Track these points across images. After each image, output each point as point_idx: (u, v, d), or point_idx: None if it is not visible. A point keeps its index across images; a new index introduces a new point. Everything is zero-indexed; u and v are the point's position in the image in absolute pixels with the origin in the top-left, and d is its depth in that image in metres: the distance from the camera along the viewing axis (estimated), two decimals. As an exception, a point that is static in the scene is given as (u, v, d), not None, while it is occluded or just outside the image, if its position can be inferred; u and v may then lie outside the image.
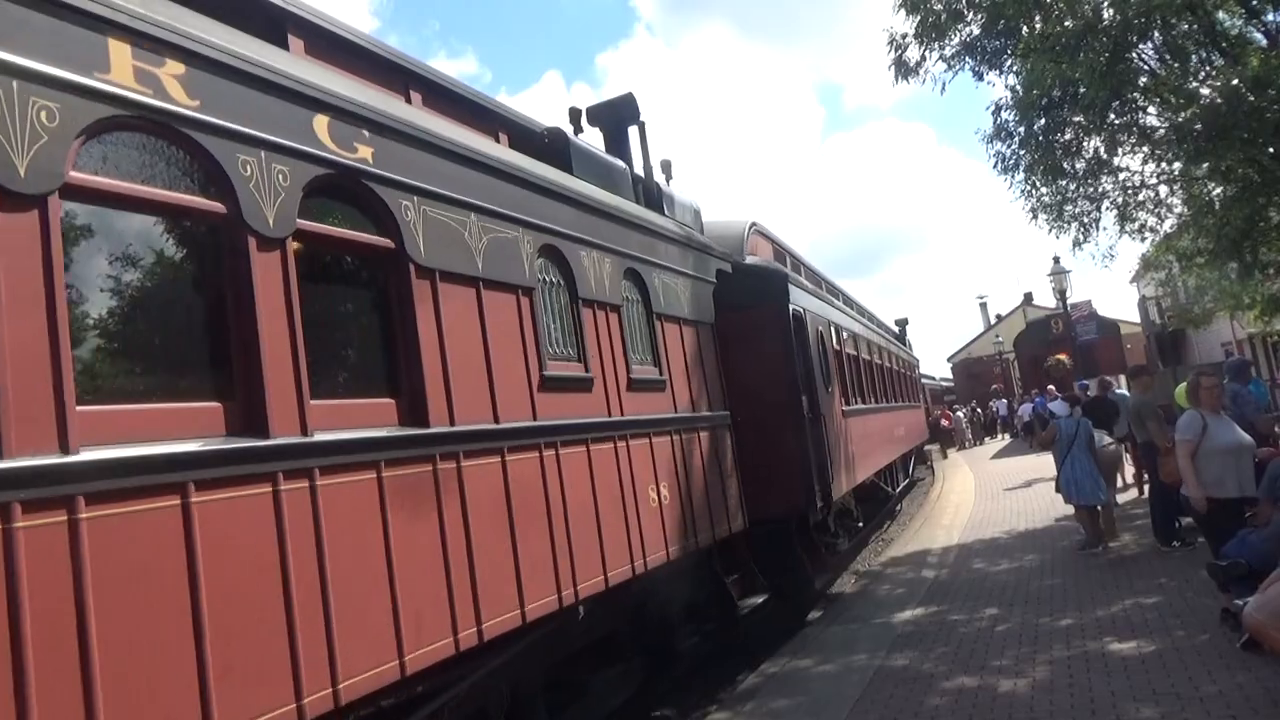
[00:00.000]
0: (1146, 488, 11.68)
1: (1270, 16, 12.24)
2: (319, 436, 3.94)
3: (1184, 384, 8.73)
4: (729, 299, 9.26)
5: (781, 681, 7.23)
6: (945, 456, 31.94)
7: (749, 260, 10.74)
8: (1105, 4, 11.96)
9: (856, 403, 13.43)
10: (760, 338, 9.20)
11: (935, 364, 63.95)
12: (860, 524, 14.37)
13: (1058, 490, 11.20)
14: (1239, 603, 5.65)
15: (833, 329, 12.17)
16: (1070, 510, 11.43)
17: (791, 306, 9.57)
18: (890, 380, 19.28)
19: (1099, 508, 10.76)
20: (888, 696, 6.38)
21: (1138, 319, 37.47)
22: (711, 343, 8.84)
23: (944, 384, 51.49)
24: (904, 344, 26.90)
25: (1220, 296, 15.75)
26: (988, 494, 18.57)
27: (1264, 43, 11.96)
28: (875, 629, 8.51)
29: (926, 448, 29.69)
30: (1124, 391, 13.70)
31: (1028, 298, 54.67)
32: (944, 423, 35.50)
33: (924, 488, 23.77)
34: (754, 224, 12.09)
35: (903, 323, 28.89)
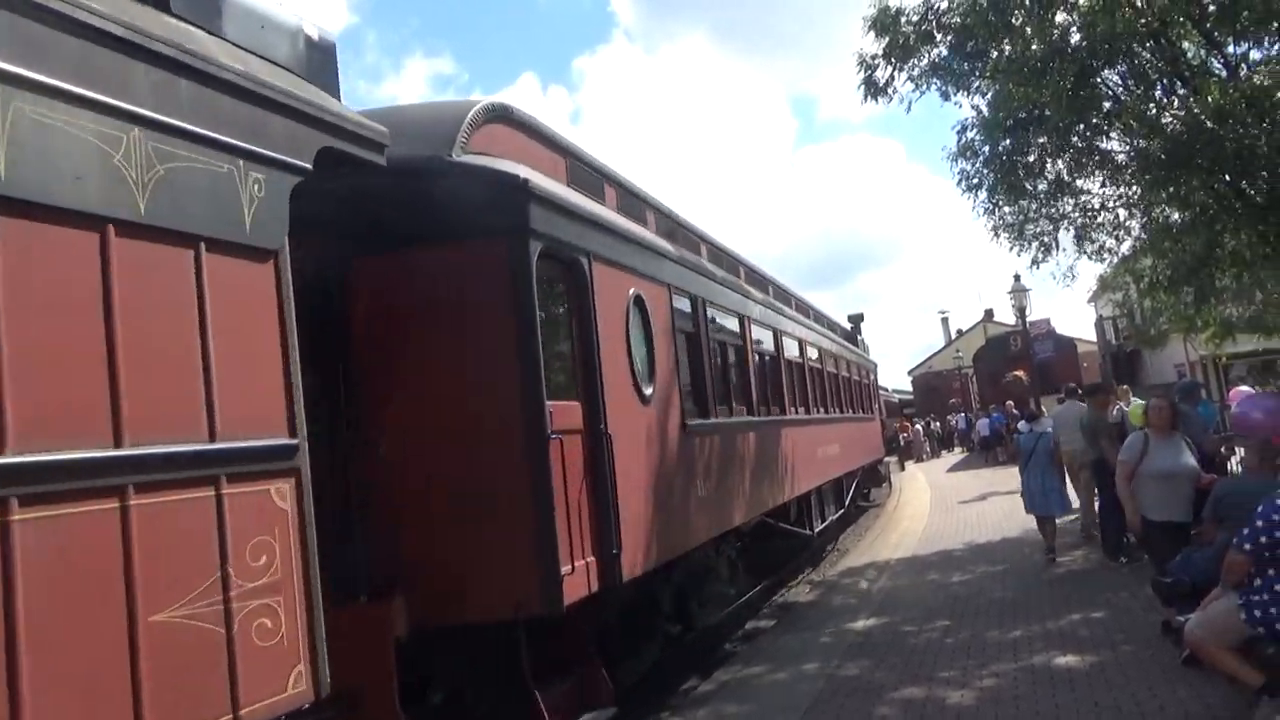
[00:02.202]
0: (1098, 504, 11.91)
1: (1231, 49, 12.54)
2: None
3: (1139, 404, 8.98)
4: (388, 225, 5.52)
5: (733, 689, 7.26)
6: (903, 469, 32.29)
7: (463, 160, 5.58)
8: (1073, 29, 12.19)
9: (748, 414, 10.12)
10: (453, 299, 5.55)
11: (896, 377, 64.59)
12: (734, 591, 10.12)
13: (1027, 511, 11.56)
14: (1181, 619, 5.78)
15: (704, 307, 8.91)
16: (1024, 525, 11.69)
17: (537, 244, 5.61)
18: (831, 386, 16.06)
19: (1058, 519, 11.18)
20: (838, 706, 6.43)
21: (1095, 338, 38.34)
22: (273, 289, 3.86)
23: (904, 396, 52.03)
24: (857, 345, 21.83)
25: (1175, 319, 16.05)
26: (943, 507, 18.81)
27: (1224, 74, 12.24)
28: (828, 638, 8.57)
29: (886, 460, 26.55)
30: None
31: (988, 314, 55.41)
32: (903, 435, 35.88)
33: (880, 499, 22.52)
34: (496, 108, 6.20)
35: (856, 319, 23.66)
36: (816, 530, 13.92)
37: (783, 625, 9.83)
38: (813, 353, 14.85)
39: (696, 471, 8.07)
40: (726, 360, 10.01)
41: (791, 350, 13.18)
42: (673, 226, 9.35)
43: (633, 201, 8.23)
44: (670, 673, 8.70)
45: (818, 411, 14.36)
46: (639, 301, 7.14)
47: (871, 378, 23.45)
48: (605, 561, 5.93)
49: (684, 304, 8.55)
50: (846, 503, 17.64)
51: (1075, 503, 11.80)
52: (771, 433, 11.10)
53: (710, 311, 9.34)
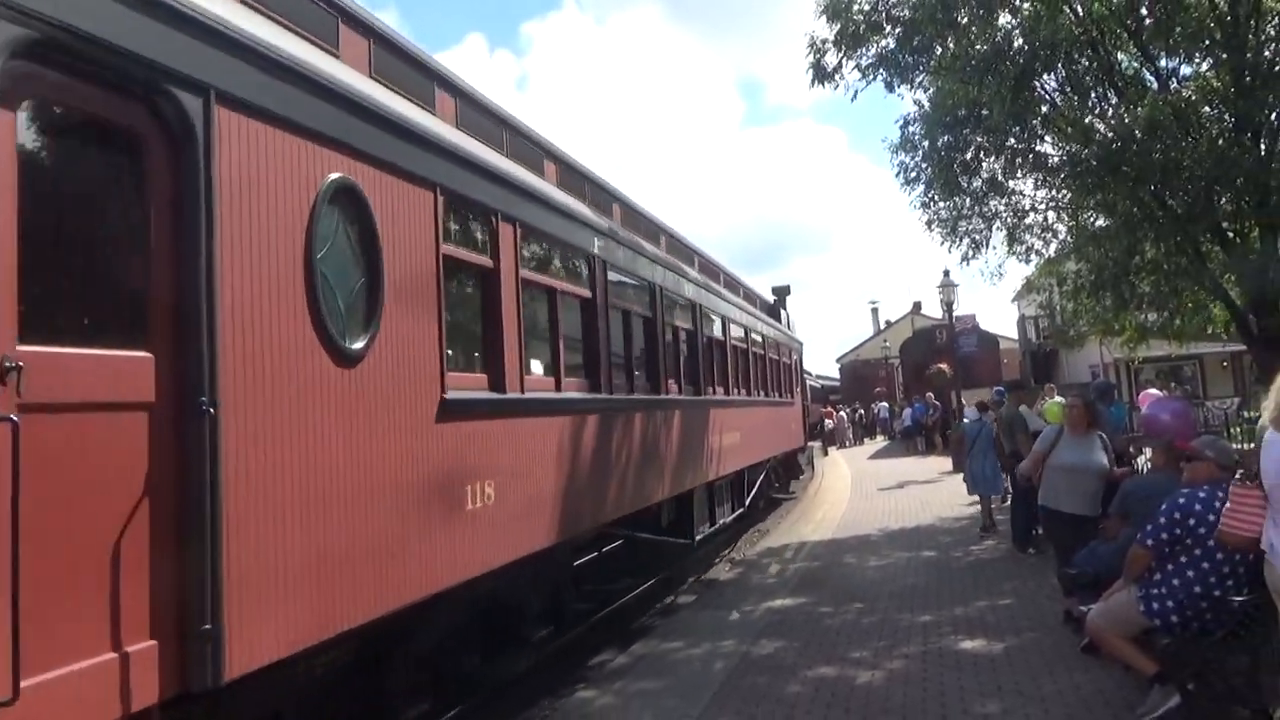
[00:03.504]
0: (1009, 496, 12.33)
1: (1163, 62, 12.95)
2: None
3: (1058, 401, 9.31)
4: None
5: (650, 663, 7.32)
6: (826, 454, 32.90)
7: None
8: (1015, 32, 12.44)
9: (590, 390, 7.66)
10: None
11: (825, 363, 65.60)
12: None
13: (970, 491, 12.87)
14: (1083, 609, 6.01)
15: (515, 234, 6.30)
16: (938, 514, 12.14)
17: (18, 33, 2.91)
18: (739, 363, 13.86)
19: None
20: (751, 682, 6.53)
21: (1016, 336, 39.46)
22: None
23: (832, 383, 52.92)
24: (780, 320, 19.50)
25: (1094, 323, 16.62)
26: (863, 493, 19.21)
27: (1155, 86, 12.64)
28: (745, 616, 8.70)
29: (810, 446, 24.49)
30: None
31: (917, 307, 56.47)
32: (827, 421, 36.51)
33: (798, 492, 20.80)
34: None
35: (782, 291, 21.50)
36: (699, 537, 11.18)
37: (702, 601, 9.94)
38: (713, 320, 12.34)
39: (467, 472, 5.49)
40: (554, 315, 7.12)
41: (678, 314, 10.59)
42: (480, 118, 6.54)
43: (393, 63, 5.43)
44: (587, 646, 8.74)
45: (714, 392, 11.99)
46: (348, 196, 4.53)
47: (795, 358, 20.89)
48: (186, 647, 3.44)
49: (472, 224, 5.95)
50: (748, 501, 14.75)
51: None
52: (629, 415, 8.47)
53: (529, 242, 6.70)
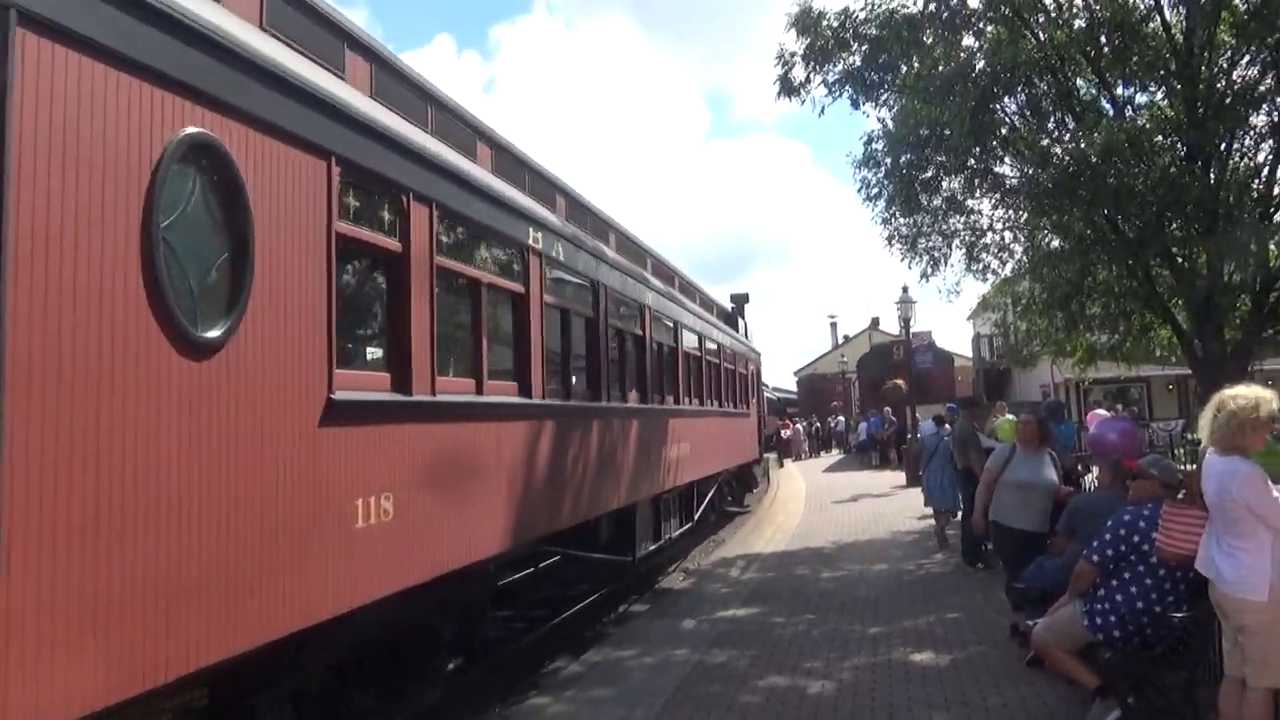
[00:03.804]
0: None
1: (1120, 90, 13.27)
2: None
3: (1010, 419, 9.45)
4: None
5: (603, 671, 7.30)
6: (782, 465, 33.11)
7: None
8: (978, 54, 12.67)
9: (518, 394, 7.00)
10: None
11: (783, 376, 66.04)
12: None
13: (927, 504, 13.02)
14: (1029, 623, 6.11)
15: (430, 216, 5.60)
16: (891, 528, 12.25)
17: None
18: (692, 371, 13.27)
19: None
20: (704, 691, 6.54)
21: (971, 354, 40.14)
22: None
23: (789, 396, 53.31)
24: (737, 329, 18.81)
25: (1046, 343, 16.94)
26: (817, 506, 19.34)
27: (1111, 112, 12.94)
28: (699, 625, 8.71)
29: (767, 457, 24.21)
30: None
31: (875, 322, 57.16)
32: (784, 433, 36.76)
33: (753, 505, 20.33)
34: None
35: (740, 299, 20.88)
36: (641, 554, 10.52)
37: (656, 610, 9.94)
38: (665, 325, 11.83)
39: (358, 484, 4.78)
40: (478, 311, 6.39)
41: (625, 316, 9.99)
42: (400, 90, 5.87)
43: (292, 16, 4.78)
44: (540, 653, 8.70)
45: (663, 400, 11.44)
46: (208, 156, 3.85)
47: (753, 369, 20.25)
48: None
49: (377, 201, 5.21)
50: (696, 516, 14.03)
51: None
52: (564, 423, 7.89)
53: (448, 227, 6.00)
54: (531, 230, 7.24)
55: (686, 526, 13.37)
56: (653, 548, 11.14)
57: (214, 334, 3.83)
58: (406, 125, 5.63)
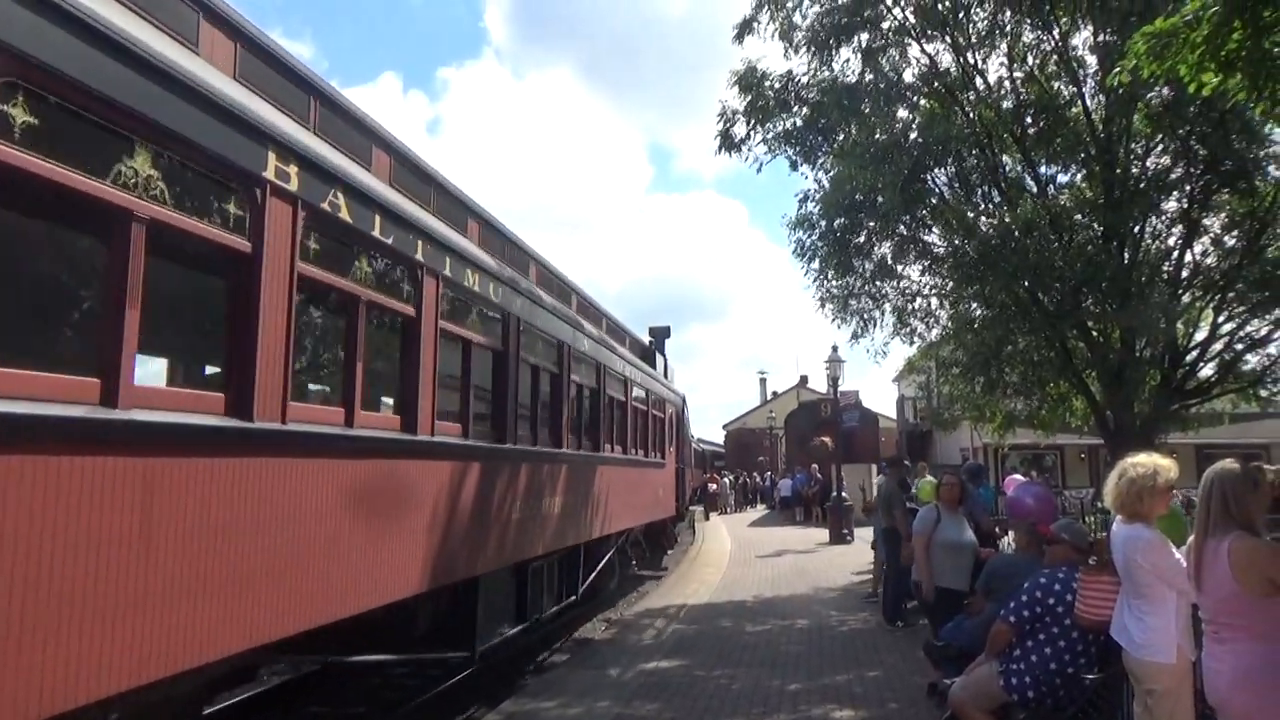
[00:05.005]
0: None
1: (1043, 169, 13.91)
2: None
3: (931, 481, 9.64)
4: None
5: (520, 720, 7.15)
6: (708, 518, 33.14)
7: None
8: (912, 126, 13.18)
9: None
10: None
11: (713, 430, 66.40)
12: None
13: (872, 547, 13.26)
14: (947, 681, 6.19)
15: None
16: (814, 584, 12.28)
17: None
18: (587, 409, 11.30)
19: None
20: (622, 743, 6.45)
21: (895, 415, 40.94)
22: None
23: (717, 449, 53.58)
24: (655, 367, 16.79)
25: (967, 407, 17.42)
26: (741, 560, 19.38)
27: (1035, 190, 13.54)
28: (621, 676, 8.61)
29: (692, 510, 23.17)
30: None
31: (803, 380, 57.95)
32: (711, 486, 36.88)
33: (668, 567, 18.67)
34: None
35: (660, 332, 18.86)
36: (482, 648, 7.89)
37: (577, 659, 9.80)
38: (545, 350, 9.51)
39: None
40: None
41: (497, 336, 8.09)
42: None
43: None
44: (454, 700, 8.47)
45: (532, 443, 9.01)
46: None
47: (672, 412, 17.86)
48: None
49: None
50: (581, 590, 11.38)
51: None
52: (397, 469, 6.04)
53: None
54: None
55: (568, 600, 10.93)
56: (511, 632, 8.85)
57: None
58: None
